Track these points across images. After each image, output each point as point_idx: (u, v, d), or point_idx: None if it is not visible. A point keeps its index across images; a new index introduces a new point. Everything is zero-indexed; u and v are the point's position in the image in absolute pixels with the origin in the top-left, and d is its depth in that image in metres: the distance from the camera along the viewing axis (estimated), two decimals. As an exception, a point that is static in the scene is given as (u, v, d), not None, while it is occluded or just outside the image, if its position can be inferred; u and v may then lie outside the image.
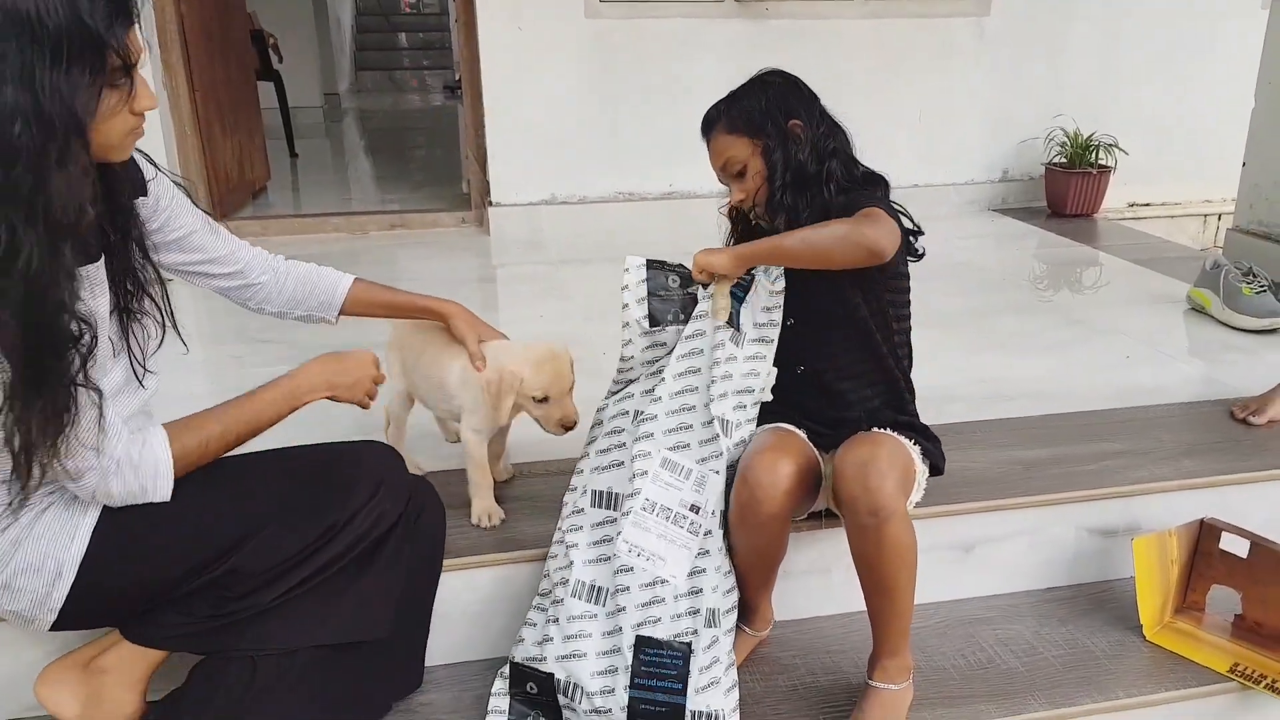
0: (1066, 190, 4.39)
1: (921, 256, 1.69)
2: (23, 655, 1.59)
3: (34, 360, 1.15)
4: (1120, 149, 4.34)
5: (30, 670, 1.51)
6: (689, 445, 1.62)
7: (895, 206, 1.65)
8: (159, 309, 1.43)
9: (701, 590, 1.54)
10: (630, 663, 1.51)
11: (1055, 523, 1.94)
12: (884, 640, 1.56)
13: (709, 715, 1.51)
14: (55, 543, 1.33)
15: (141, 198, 1.42)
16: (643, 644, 1.52)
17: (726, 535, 1.60)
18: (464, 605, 1.72)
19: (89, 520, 1.34)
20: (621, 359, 1.76)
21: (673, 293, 1.72)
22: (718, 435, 1.60)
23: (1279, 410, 2.21)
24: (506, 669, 1.61)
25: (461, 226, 4.45)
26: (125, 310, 1.37)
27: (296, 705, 1.49)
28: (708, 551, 1.57)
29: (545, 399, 1.72)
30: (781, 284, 1.66)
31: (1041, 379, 2.55)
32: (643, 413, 1.65)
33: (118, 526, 1.35)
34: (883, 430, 1.60)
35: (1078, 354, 2.75)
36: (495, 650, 1.75)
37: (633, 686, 1.50)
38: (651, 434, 1.63)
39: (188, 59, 4.08)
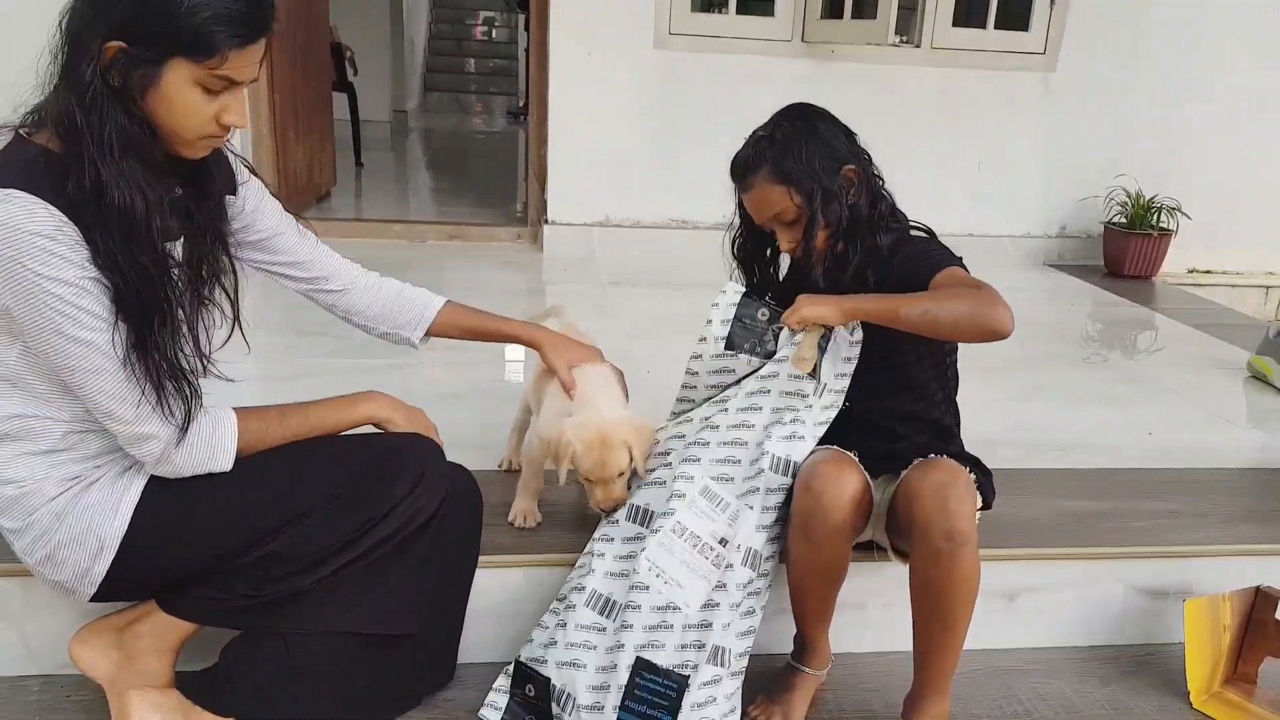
0: (1125, 251, 4.32)
1: None
2: (60, 616, 1.62)
3: (143, 288, 1.22)
4: (1183, 213, 4.28)
5: (67, 630, 1.53)
6: (732, 479, 1.60)
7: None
8: (230, 301, 1.45)
9: (711, 625, 1.51)
10: (624, 683, 1.48)
11: (1104, 578, 1.89)
12: (930, 680, 1.51)
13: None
14: (98, 517, 1.35)
15: (229, 196, 1.46)
16: (641, 667, 1.48)
17: (765, 574, 1.58)
18: (496, 604, 1.72)
19: (132, 495, 1.36)
20: (687, 372, 1.76)
21: (757, 324, 1.71)
22: (761, 472, 1.58)
23: (1342, 483, 2.14)
24: (511, 666, 1.59)
25: (516, 242, 4.50)
26: (196, 295, 1.38)
27: (326, 690, 1.50)
28: (725, 586, 1.53)
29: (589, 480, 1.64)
30: (860, 335, 1.63)
31: (1093, 432, 2.50)
32: (696, 438, 1.65)
33: (161, 505, 1.37)
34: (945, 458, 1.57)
35: (1132, 412, 2.68)
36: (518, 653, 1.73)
37: (622, 708, 1.47)
38: (699, 459, 1.61)
39: (270, 62, 4.19)
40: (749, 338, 1.71)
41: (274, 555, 1.39)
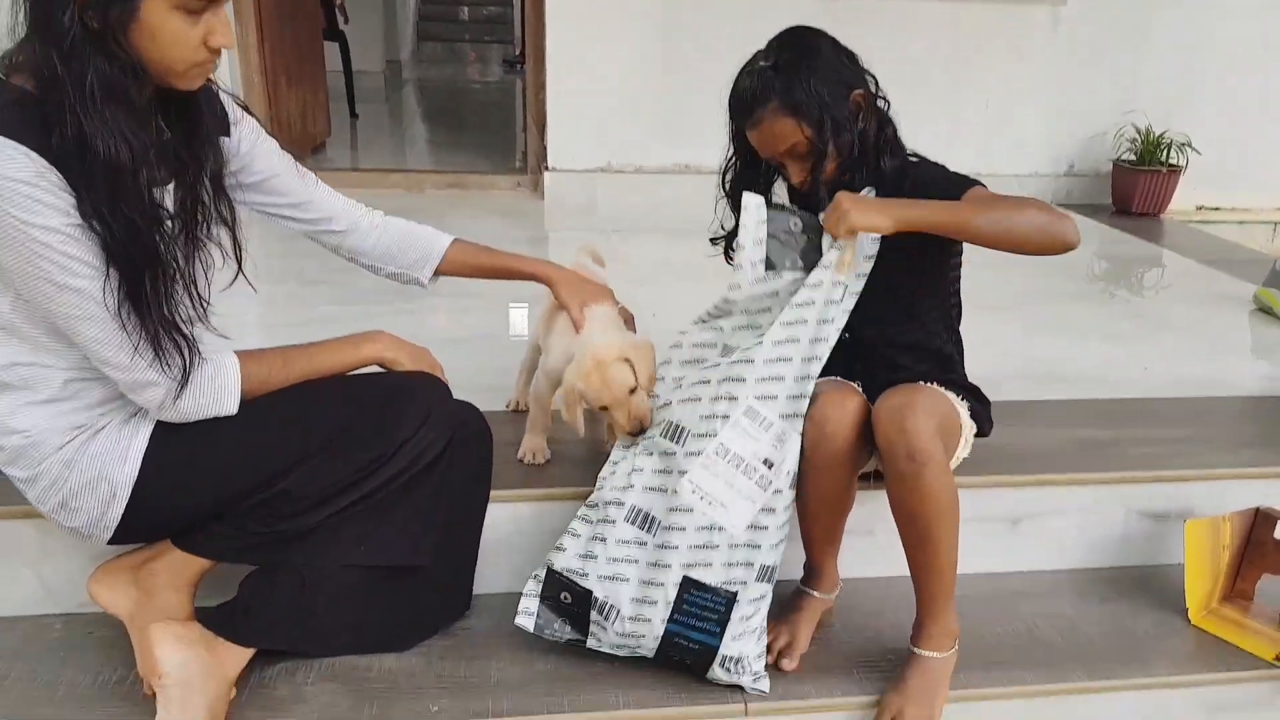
0: (1134, 188, 4.29)
1: None
2: (77, 557, 1.64)
3: (131, 242, 1.20)
4: (1193, 149, 4.23)
5: (84, 570, 1.56)
6: (776, 398, 1.54)
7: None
8: (233, 241, 1.43)
9: (760, 546, 1.52)
10: (673, 598, 1.51)
11: (1106, 502, 1.91)
12: (927, 601, 1.53)
13: (738, 660, 1.51)
14: (108, 463, 1.35)
15: (223, 138, 1.43)
16: (689, 585, 1.51)
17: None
18: (506, 536, 1.74)
19: (140, 441, 1.37)
20: (724, 300, 1.63)
21: (794, 237, 1.59)
22: (804, 395, 1.55)
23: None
24: (542, 572, 1.59)
25: (516, 190, 4.47)
26: (191, 239, 1.36)
27: (344, 619, 1.53)
28: (774, 510, 1.53)
29: (605, 408, 1.61)
30: (876, 249, 1.57)
31: (1099, 365, 2.51)
32: (741, 354, 1.57)
33: (170, 449, 1.38)
34: (926, 384, 1.58)
35: (1137, 347, 2.69)
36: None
37: (671, 620, 1.51)
38: (744, 379, 1.55)
39: (258, 9, 4.15)
40: (788, 254, 1.59)
41: (284, 494, 1.41)
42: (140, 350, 1.26)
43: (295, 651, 1.55)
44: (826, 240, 1.56)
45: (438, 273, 1.69)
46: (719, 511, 1.52)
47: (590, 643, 1.56)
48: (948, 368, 1.68)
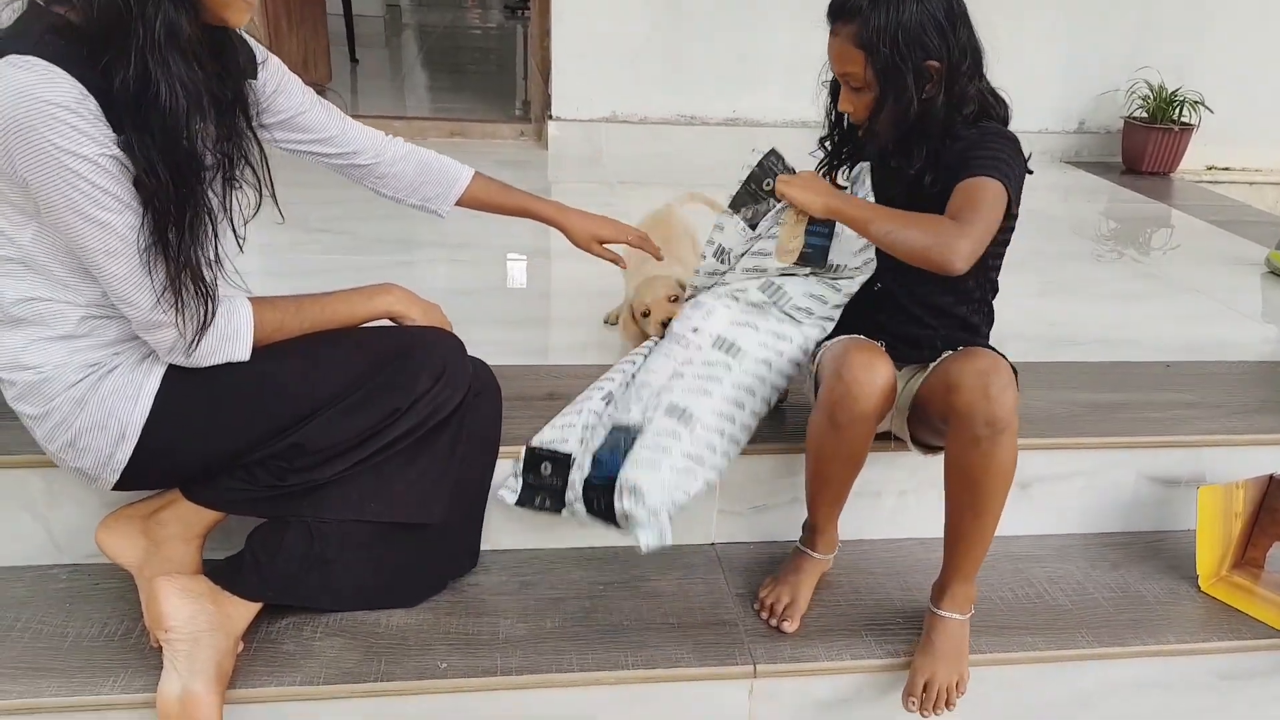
0: (1144, 146, 4.23)
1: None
2: (84, 506, 1.63)
3: (175, 186, 1.19)
4: (1206, 107, 4.16)
5: (91, 520, 1.54)
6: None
7: (1012, 162, 1.49)
8: (259, 178, 1.42)
9: (673, 389, 1.61)
10: (600, 441, 1.62)
11: (1117, 467, 1.90)
12: (960, 566, 1.51)
13: (634, 490, 1.51)
14: (120, 403, 1.33)
15: (251, 80, 1.42)
16: (614, 426, 1.62)
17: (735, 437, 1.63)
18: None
19: (152, 383, 1.35)
20: (706, 242, 1.76)
21: (762, 193, 1.66)
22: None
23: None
24: (523, 453, 1.66)
25: (520, 139, 4.40)
26: (228, 176, 1.35)
27: (353, 575, 1.52)
28: (691, 361, 1.65)
29: (647, 313, 1.83)
30: (865, 248, 1.63)
31: (1109, 327, 2.49)
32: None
33: (181, 394, 1.36)
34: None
35: (1148, 306, 2.66)
36: (542, 541, 1.76)
37: (594, 461, 1.59)
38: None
39: (257, -53, 4.03)
40: (749, 203, 1.67)
41: (296, 447, 1.39)
42: (160, 292, 1.23)
43: (302, 606, 1.54)
44: (774, 212, 1.64)
45: (457, 204, 1.74)
46: (647, 374, 1.68)
47: (564, 512, 1.63)
48: (973, 336, 1.66)
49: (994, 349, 1.60)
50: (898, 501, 1.85)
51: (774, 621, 1.60)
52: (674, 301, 1.81)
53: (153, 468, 1.40)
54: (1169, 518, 1.94)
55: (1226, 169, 4.57)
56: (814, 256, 1.63)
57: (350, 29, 6.30)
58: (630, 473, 1.53)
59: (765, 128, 4.22)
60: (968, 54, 1.53)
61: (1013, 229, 1.59)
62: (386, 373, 1.43)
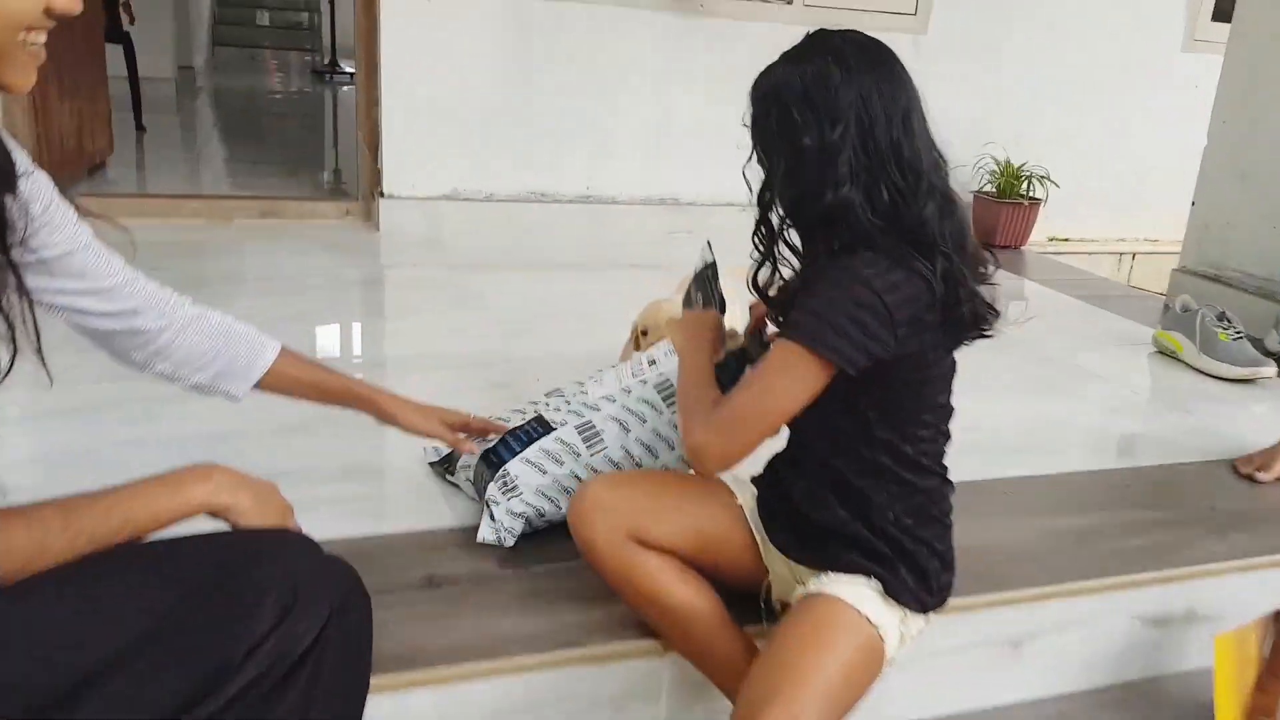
0: (997, 220, 4.23)
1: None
2: None
3: None
4: (1052, 181, 4.23)
5: None
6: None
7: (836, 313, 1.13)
8: (9, 325, 0.96)
9: (599, 408, 1.58)
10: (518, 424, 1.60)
11: (1110, 611, 1.64)
12: None
13: (509, 483, 1.53)
14: None
15: (8, 195, 0.96)
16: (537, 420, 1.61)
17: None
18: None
19: None
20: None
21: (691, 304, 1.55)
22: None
23: (1287, 468, 2.02)
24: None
25: (345, 219, 3.86)
26: None
27: None
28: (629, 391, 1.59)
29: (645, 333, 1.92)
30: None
31: (1038, 428, 2.28)
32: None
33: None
34: (832, 596, 1.20)
35: (1064, 401, 2.49)
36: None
37: (501, 441, 1.58)
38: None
39: None
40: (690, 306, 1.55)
41: None
42: None
43: None
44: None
45: (257, 386, 1.33)
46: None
47: (458, 474, 1.70)
48: (882, 522, 1.24)
49: (897, 551, 1.24)
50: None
51: None
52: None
53: None
54: (1159, 660, 1.70)
55: (1066, 239, 4.67)
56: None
57: (136, 93, 5.55)
58: (515, 465, 1.54)
59: (622, 205, 3.91)
60: (866, 149, 1.15)
61: (916, 383, 1.24)
62: (210, 607, 0.96)
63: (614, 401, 1.58)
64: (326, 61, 9.80)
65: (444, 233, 3.65)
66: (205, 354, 1.27)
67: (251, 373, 1.32)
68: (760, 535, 1.36)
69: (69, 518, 0.96)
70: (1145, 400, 2.55)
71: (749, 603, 1.36)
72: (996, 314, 1.30)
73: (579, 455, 1.54)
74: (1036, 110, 4.41)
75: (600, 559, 1.30)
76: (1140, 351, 2.94)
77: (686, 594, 1.31)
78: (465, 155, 3.71)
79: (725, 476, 1.39)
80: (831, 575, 1.24)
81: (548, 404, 1.63)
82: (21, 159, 1.02)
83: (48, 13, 0.91)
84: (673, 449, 1.56)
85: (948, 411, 1.32)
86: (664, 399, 1.57)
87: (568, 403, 1.61)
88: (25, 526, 0.92)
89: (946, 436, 1.32)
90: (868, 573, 1.23)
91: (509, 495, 1.52)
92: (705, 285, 1.47)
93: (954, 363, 1.31)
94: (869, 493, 1.25)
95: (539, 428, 1.58)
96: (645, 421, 1.56)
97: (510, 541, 1.51)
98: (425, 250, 3.53)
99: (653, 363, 1.62)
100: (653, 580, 1.30)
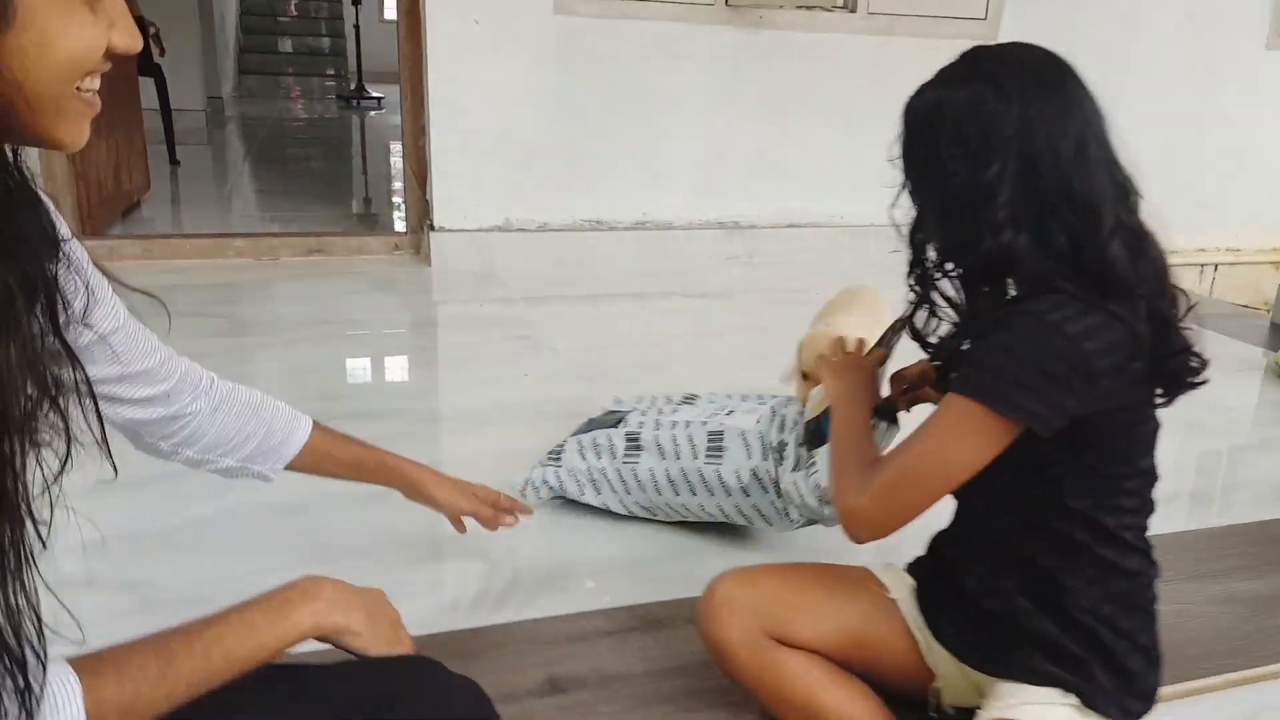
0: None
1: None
2: None
3: None
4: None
5: None
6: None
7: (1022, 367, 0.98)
8: (64, 417, 0.77)
9: (661, 427, 1.66)
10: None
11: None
12: None
13: (557, 452, 1.72)
14: None
15: (56, 263, 0.79)
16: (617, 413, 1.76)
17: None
18: None
19: None
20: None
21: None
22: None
23: None
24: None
25: (394, 254, 3.73)
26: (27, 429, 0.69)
27: None
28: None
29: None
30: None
31: (1179, 471, 2.08)
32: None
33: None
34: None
35: (1204, 438, 2.28)
36: None
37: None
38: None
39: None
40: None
41: None
42: None
43: None
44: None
45: (289, 466, 1.24)
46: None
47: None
48: (1070, 621, 1.07)
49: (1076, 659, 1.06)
50: None
51: None
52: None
53: None
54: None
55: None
56: (810, 433, 1.45)
57: (169, 127, 5.46)
58: (571, 442, 1.71)
59: (678, 230, 3.75)
60: (1031, 172, 1.01)
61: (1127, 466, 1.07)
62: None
63: (674, 427, 1.65)
64: (353, 87, 9.73)
65: (497, 266, 3.51)
66: (237, 435, 1.16)
67: (286, 450, 1.21)
68: (922, 632, 1.18)
69: (167, 661, 0.80)
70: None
71: (919, 712, 1.19)
72: (1204, 362, 1.11)
73: (615, 457, 1.65)
74: (1111, 115, 4.20)
75: (734, 661, 1.15)
76: (1255, 376, 2.74)
77: (840, 696, 1.14)
78: (516, 184, 3.57)
79: (875, 565, 1.23)
80: (1014, 688, 1.07)
81: (637, 405, 1.77)
82: (61, 224, 0.86)
83: (108, 54, 0.76)
84: (695, 494, 1.60)
85: (1153, 478, 1.13)
86: (706, 450, 1.60)
87: (660, 411, 1.73)
88: (117, 678, 0.77)
89: (1151, 507, 1.14)
90: (1059, 683, 1.05)
91: (551, 463, 1.69)
92: (891, 334, 1.28)
93: (1159, 422, 1.12)
94: (1059, 576, 1.07)
95: (609, 419, 1.72)
96: (679, 459, 1.62)
97: (535, 501, 1.67)
98: (480, 285, 3.38)
99: (730, 413, 1.68)
100: (799, 681, 1.13)
